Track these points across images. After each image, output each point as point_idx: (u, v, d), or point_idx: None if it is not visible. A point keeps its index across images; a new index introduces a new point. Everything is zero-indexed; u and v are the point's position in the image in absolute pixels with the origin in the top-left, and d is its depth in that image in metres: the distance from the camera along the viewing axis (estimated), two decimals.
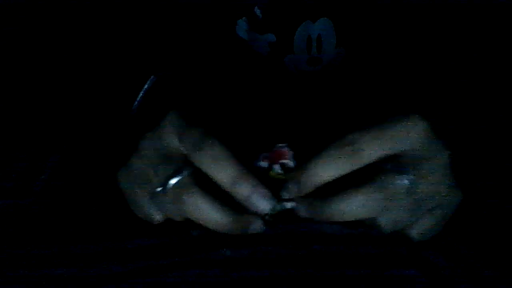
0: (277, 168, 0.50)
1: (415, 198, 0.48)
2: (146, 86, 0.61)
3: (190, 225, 0.52)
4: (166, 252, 0.52)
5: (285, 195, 0.49)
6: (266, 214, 0.49)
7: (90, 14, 0.67)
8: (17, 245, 0.54)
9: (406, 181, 0.47)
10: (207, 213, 0.48)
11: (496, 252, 0.51)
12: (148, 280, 0.50)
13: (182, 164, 0.49)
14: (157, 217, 0.52)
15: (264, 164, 0.50)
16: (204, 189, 0.48)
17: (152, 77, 0.61)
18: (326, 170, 0.47)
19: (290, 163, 0.50)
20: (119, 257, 0.52)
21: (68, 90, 0.66)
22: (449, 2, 0.65)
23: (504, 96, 0.64)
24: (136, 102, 0.60)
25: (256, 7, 0.66)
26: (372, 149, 0.47)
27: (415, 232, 0.50)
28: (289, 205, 0.49)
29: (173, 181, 0.48)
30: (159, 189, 0.49)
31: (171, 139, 0.49)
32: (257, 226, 0.49)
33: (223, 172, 0.47)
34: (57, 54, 0.68)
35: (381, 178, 0.47)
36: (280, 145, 0.50)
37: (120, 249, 0.53)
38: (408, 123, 0.48)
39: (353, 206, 0.47)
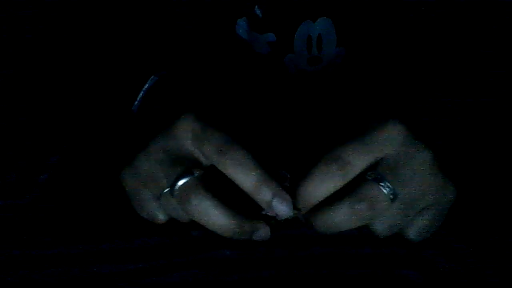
0: None
1: (401, 202, 0.48)
2: (146, 86, 0.60)
3: (191, 225, 0.52)
4: (166, 252, 0.52)
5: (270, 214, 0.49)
6: (272, 219, 0.49)
7: (90, 14, 0.67)
8: (17, 245, 0.54)
9: (385, 189, 0.47)
10: (213, 216, 0.48)
11: (495, 252, 0.51)
12: (148, 280, 0.50)
13: (191, 165, 0.49)
14: (161, 217, 0.52)
15: None
16: (213, 193, 0.48)
17: (152, 76, 0.61)
18: (317, 189, 0.47)
19: (286, 184, 0.50)
20: (119, 257, 0.52)
21: (68, 89, 0.66)
22: (448, 2, 0.65)
23: (497, 92, 0.64)
24: (136, 102, 0.60)
25: (256, 7, 0.66)
26: (360, 159, 0.47)
27: (412, 233, 0.50)
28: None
29: (181, 182, 0.48)
30: (166, 190, 0.49)
31: (186, 141, 0.49)
32: (263, 233, 0.49)
33: (246, 176, 0.47)
34: (57, 54, 0.68)
35: (361, 189, 0.47)
36: (280, 171, 0.50)
37: (121, 249, 0.53)
38: (387, 128, 0.48)
39: (338, 219, 0.47)
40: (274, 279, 0.50)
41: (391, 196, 0.47)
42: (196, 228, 0.53)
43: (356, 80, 0.69)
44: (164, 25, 0.67)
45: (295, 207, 0.48)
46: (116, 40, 0.67)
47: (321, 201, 0.48)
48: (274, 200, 0.47)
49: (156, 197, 0.50)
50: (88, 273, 0.51)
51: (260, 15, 0.66)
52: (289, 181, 0.50)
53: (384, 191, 0.47)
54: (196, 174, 0.48)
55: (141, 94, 0.60)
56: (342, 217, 0.47)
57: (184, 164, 0.49)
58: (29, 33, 0.68)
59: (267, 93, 0.69)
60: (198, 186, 0.48)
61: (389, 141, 0.48)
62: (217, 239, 0.52)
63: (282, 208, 0.48)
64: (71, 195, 0.58)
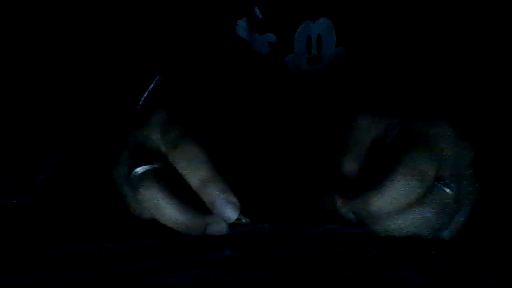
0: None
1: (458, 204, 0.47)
2: (151, 87, 0.60)
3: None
4: (166, 252, 0.52)
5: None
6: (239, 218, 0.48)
7: (91, 15, 0.67)
8: (17, 245, 0.54)
9: (451, 191, 0.46)
10: (164, 209, 0.47)
11: (496, 253, 0.51)
12: (148, 280, 0.50)
13: (154, 157, 0.48)
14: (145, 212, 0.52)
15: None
16: (170, 187, 0.47)
17: (158, 77, 0.61)
18: (394, 203, 0.45)
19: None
20: (119, 257, 0.52)
21: (69, 90, 0.66)
22: (449, 1, 0.65)
23: (496, 92, 0.64)
24: (140, 103, 0.60)
25: (256, 7, 0.66)
26: (432, 168, 0.46)
27: (448, 233, 0.49)
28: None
29: (138, 169, 0.48)
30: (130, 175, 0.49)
31: (155, 134, 0.49)
32: (218, 227, 0.48)
33: (193, 173, 0.47)
34: (59, 54, 0.68)
35: (432, 194, 0.46)
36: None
37: (120, 249, 0.53)
38: (442, 130, 0.48)
39: (408, 225, 0.46)
40: (274, 279, 0.50)
41: (456, 197, 0.47)
42: None
43: (356, 80, 0.69)
44: (164, 25, 0.67)
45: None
46: (117, 40, 0.67)
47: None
48: (219, 201, 0.46)
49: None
50: (88, 273, 0.51)
51: (260, 15, 0.66)
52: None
53: (450, 192, 0.46)
54: (155, 166, 0.48)
55: (145, 95, 0.60)
56: (412, 223, 0.46)
57: (148, 154, 0.49)
58: (29, 33, 0.68)
59: (267, 94, 0.69)
60: (152, 177, 0.47)
61: (446, 143, 0.47)
62: (217, 239, 0.52)
63: (226, 211, 0.47)
64: (71, 195, 0.58)
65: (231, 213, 0.47)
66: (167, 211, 0.47)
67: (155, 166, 0.48)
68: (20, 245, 0.54)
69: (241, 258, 0.52)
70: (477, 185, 0.50)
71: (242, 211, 0.48)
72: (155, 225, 0.52)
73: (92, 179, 0.59)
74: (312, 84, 0.69)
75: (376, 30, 0.67)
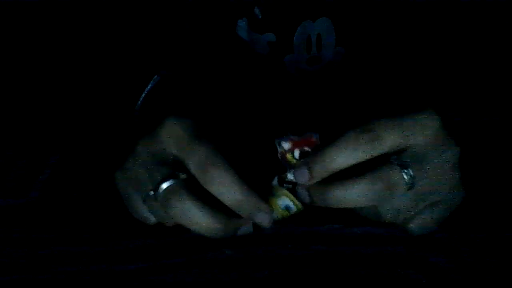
0: (296, 153, 0.49)
1: (416, 192, 0.48)
2: (149, 86, 0.60)
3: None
4: (166, 252, 0.52)
5: (291, 178, 0.49)
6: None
7: (92, 15, 0.67)
8: (17, 245, 0.54)
9: (407, 176, 0.47)
10: (196, 218, 0.47)
11: (495, 252, 0.51)
12: (147, 280, 0.50)
13: (176, 168, 0.49)
14: (152, 219, 0.52)
15: (286, 145, 0.49)
16: (197, 193, 0.48)
17: (155, 76, 0.61)
18: (344, 157, 0.46)
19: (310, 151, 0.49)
20: (119, 257, 0.52)
21: (69, 90, 0.66)
22: (448, 1, 0.65)
23: (497, 92, 0.64)
24: (139, 102, 0.60)
25: (255, 7, 0.66)
26: (391, 137, 0.46)
27: (414, 225, 0.50)
28: (286, 186, 0.49)
29: (165, 185, 0.48)
30: (151, 193, 0.49)
31: (169, 146, 0.49)
32: (247, 228, 0.49)
33: (228, 193, 0.47)
34: (58, 54, 0.68)
35: (383, 169, 0.46)
36: (312, 133, 0.49)
37: (120, 249, 0.53)
38: (423, 116, 0.48)
39: (354, 194, 0.46)
40: (274, 278, 0.50)
41: (409, 184, 0.47)
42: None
43: (355, 80, 0.69)
44: (164, 25, 0.67)
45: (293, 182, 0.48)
46: (117, 40, 0.67)
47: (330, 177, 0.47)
48: (257, 214, 0.47)
49: (143, 199, 0.50)
50: (88, 273, 0.51)
51: (260, 15, 0.66)
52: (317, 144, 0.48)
53: (406, 177, 0.47)
54: (181, 177, 0.48)
55: (143, 94, 0.60)
56: (358, 192, 0.46)
57: (169, 166, 0.49)
58: (29, 32, 0.68)
59: (267, 93, 0.69)
60: (181, 189, 0.47)
61: (422, 128, 0.47)
62: (217, 239, 0.52)
63: (264, 219, 0.47)
64: (71, 195, 0.58)
65: (269, 219, 0.48)
66: (202, 219, 0.47)
67: (181, 177, 0.48)
68: (20, 245, 0.54)
69: (241, 258, 0.52)
70: (462, 188, 0.50)
71: None
72: (155, 225, 0.52)
73: (92, 179, 0.59)
74: (312, 83, 0.69)
75: (375, 29, 0.67)
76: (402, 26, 0.67)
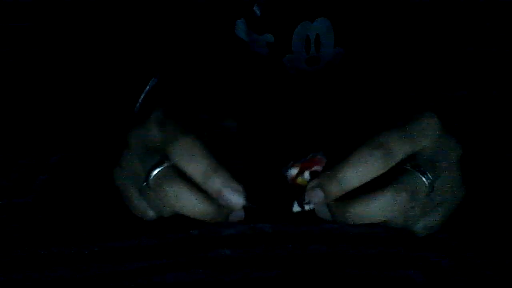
0: (306, 175, 0.48)
1: (431, 196, 0.48)
2: (148, 88, 0.60)
3: (189, 225, 0.52)
4: (166, 252, 0.52)
5: (307, 200, 0.47)
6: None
7: (91, 15, 0.67)
8: (17, 245, 0.54)
9: (427, 181, 0.46)
10: (188, 201, 0.47)
11: (496, 252, 0.51)
12: (148, 280, 0.50)
13: (164, 155, 0.48)
14: (151, 213, 0.52)
15: (293, 171, 0.48)
16: (186, 179, 0.47)
17: (153, 78, 0.61)
18: (357, 176, 0.45)
19: (320, 169, 0.48)
20: (118, 257, 0.52)
21: (69, 90, 0.66)
22: (447, 1, 0.65)
23: (496, 92, 0.64)
24: (138, 103, 0.60)
25: (255, 5, 0.66)
26: (402, 149, 0.46)
27: (419, 227, 0.50)
28: (308, 207, 0.47)
29: (155, 172, 0.48)
30: (144, 183, 0.49)
31: (154, 132, 0.49)
32: (239, 212, 0.48)
33: (195, 166, 0.46)
34: (58, 54, 0.68)
35: (405, 178, 0.46)
36: (315, 154, 0.48)
37: (120, 248, 0.53)
38: (426, 120, 0.48)
39: (377, 209, 0.45)
40: (274, 278, 0.50)
41: (430, 189, 0.46)
42: (193, 227, 0.53)
43: (355, 80, 0.69)
44: (163, 26, 0.67)
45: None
46: (116, 41, 0.67)
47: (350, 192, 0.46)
48: (225, 190, 0.46)
49: (140, 192, 0.50)
50: (88, 273, 0.51)
51: (259, 13, 0.66)
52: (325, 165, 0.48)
53: (426, 183, 0.46)
54: (168, 163, 0.48)
55: (142, 96, 0.60)
56: (381, 206, 0.45)
57: (159, 154, 0.49)
58: (29, 32, 0.68)
59: (266, 94, 0.69)
60: (170, 173, 0.47)
61: (427, 132, 0.47)
62: (217, 239, 0.52)
63: (233, 198, 0.46)
64: (71, 195, 0.58)
65: (238, 199, 0.46)
66: (193, 201, 0.47)
67: (168, 164, 0.48)
68: (20, 245, 0.54)
69: (241, 258, 0.52)
70: (463, 186, 0.50)
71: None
72: (155, 225, 0.52)
73: (92, 179, 0.59)
74: (311, 84, 0.69)
75: (374, 30, 0.67)
76: (402, 26, 0.67)
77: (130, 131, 0.51)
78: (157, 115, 0.49)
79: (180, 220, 0.51)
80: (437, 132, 0.48)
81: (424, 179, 0.46)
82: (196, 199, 0.47)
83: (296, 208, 0.48)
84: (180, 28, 0.67)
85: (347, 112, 0.64)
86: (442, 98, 0.63)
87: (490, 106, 0.63)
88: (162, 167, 0.48)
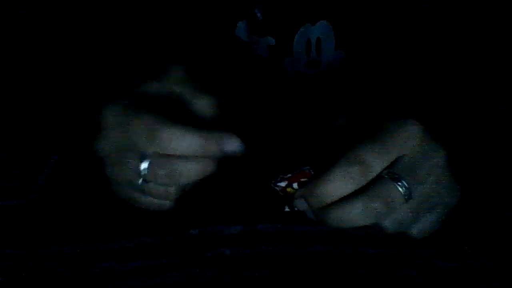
0: (295, 185, 0.50)
1: (414, 201, 0.48)
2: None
3: (189, 225, 0.52)
4: (166, 252, 0.52)
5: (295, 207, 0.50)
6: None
7: (91, 16, 0.67)
8: (17, 245, 0.54)
9: (402, 188, 0.47)
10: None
11: (496, 252, 0.51)
12: (147, 280, 0.50)
13: (140, 152, 0.49)
14: (167, 204, 0.52)
15: (283, 184, 0.50)
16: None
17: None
18: (337, 189, 0.47)
19: (306, 180, 0.50)
20: (119, 257, 0.52)
21: (68, 90, 0.66)
22: (448, 5, 0.66)
23: (501, 94, 0.64)
24: None
25: (256, 8, 0.66)
26: (379, 163, 0.47)
27: (416, 231, 0.50)
28: (297, 209, 0.50)
29: (143, 166, 0.49)
30: (140, 180, 0.49)
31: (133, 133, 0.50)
32: (234, 142, 0.49)
33: (189, 142, 0.48)
34: (57, 54, 0.68)
35: (377, 187, 0.47)
36: (303, 168, 0.50)
37: (120, 248, 0.53)
38: (405, 129, 0.49)
39: (352, 215, 0.47)
40: (274, 278, 0.50)
41: (406, 196, 0.47)
42: (195, 227, 0.53)
43: (355, 83, 0.69)
44: (164, 27, 0.67)
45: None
46: (117, 41, 0.67)
47: None
48: (225, 144, 0.48)
49: (134, 187, 0.51)
50: (88, 273, 0.51)
51: (260, 16, 0.67)
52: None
53: (401, 190, 0.47)
54: (150, 154, 0.49)
55: None
56: (357, 214, 0.47)
57: (133, 153, 0.49)
58: (29, 32, 0.68)
59: (266, 96, 0.69)
60: (159, 158, 0.48)
61: (407, 140, 0.48)
62: (217, 239, 0.52)
63: (235, 146, 0.48)
64: (71, 195, 0.58)
65: (238, 144, 0.48)
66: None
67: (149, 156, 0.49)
68: (20, 245, 0.54)
69: (241, 258, 0.52)
70: (456, 187, 0.50)
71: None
72: (155, 225, 0.52)
73: (91, 179, 0.59)
74: (311, 87, 0.69)
75: (375, 33, 0.68)
76: (402, 30, 0.67)
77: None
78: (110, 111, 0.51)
79: (180, 220, 0.51)
80: (418, 140, 0.49)
81: (399, 187, 0.47)
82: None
83: (287, 209, 0.50)
84: (181, 29, 0.67)
85: (342, 117, 0.64)
86: (440, 99, 0.63)
87: (486, 107, 0.63)
88: (148, 160, 0.48)
